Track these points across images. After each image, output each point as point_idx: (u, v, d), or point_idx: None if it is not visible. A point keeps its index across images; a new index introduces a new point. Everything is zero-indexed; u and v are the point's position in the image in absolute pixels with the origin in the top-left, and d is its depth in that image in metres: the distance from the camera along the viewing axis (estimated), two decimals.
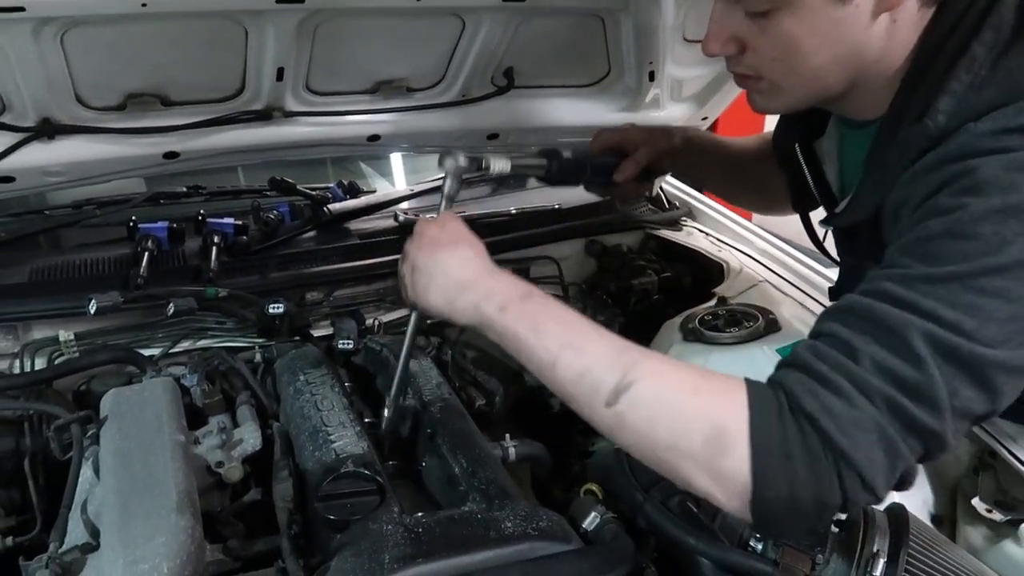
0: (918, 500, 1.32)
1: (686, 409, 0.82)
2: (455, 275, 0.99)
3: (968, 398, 0.77)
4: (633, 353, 0.87)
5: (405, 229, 1.80)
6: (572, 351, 0.87)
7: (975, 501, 1.28)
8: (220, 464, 1.13)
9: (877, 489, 0.79)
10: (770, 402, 0.80)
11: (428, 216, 1.12)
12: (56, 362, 1.39)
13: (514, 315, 0.91)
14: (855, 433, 0.76)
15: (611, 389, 0.83)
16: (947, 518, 1.34)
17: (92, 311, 1.35)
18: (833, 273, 1.72)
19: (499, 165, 1.17)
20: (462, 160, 1.10)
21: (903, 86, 0.92)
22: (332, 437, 1.14)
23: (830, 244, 1.22)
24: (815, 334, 0.84)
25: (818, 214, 1.21)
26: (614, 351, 0.87)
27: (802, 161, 1.16)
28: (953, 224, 0.78)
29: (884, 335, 0.77)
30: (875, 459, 0.77)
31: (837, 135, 1.12)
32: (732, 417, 0.79)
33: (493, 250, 1.77)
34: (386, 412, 1.20)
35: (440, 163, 1.11)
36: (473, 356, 1.70)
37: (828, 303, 1.63)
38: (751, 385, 0.82)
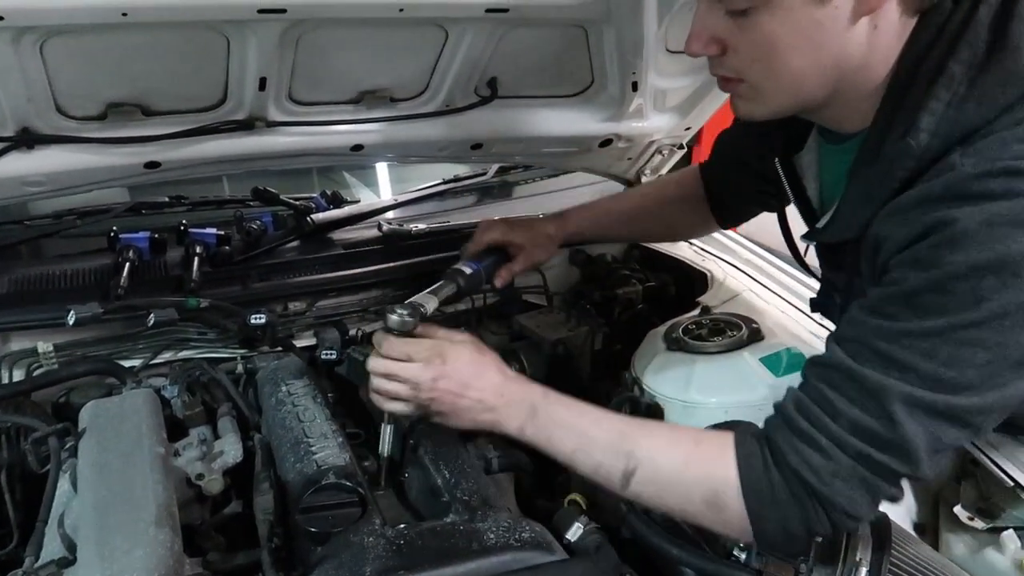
0: (901, 508, 1.33)
1: (684, 482, 0.97)
2: (475, 415, 1.09)
3: (953, 437, 0.85)
4: (631, 438, 1.00)
5: (388, 240, 1.79)
6: (582, 452, 1.02)
7: (957, 509, 1.29)
8: (200, 476, 1.12)
9: (862, 518, 0.92)
10: (756, 459, 0.92)
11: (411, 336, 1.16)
12: (35, 374, 1.38)
13: (531, 434, 1.06)
14: (834, 482, 0.88)
15: (620, 476, 0.98)
16: (929, 526, 1.34)
17: (71, 322, 1.33)
18: (815, 283, 1.73)
19: (431, 304, 1.24)
20: (407, 315, 1.15)
21: (885, 100, 0.92)
22: (314, 448, 1.13)
23: (811, 257, 1.23)
24: (803, 382, 0.94)
25: (797, 227, 1.22)
26: (615, 441, 1.00)
27: (782, 175, 1.16)
28: (933, 280, 0.82)
29: (863, 398, 0.86)
30: (856, 497, 0.88)
31: (817, 148, 1.12)
32: (724, 479, 0.93)
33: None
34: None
35: (385, 323, 1.16)
36: None
37: (810, 313, 1.65)
38: (738, 442, 0.95)
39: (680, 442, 1.00)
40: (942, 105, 0.85)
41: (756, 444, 0.94)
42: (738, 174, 1.37)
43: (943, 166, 0.84)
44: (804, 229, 1.15)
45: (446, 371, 1.08)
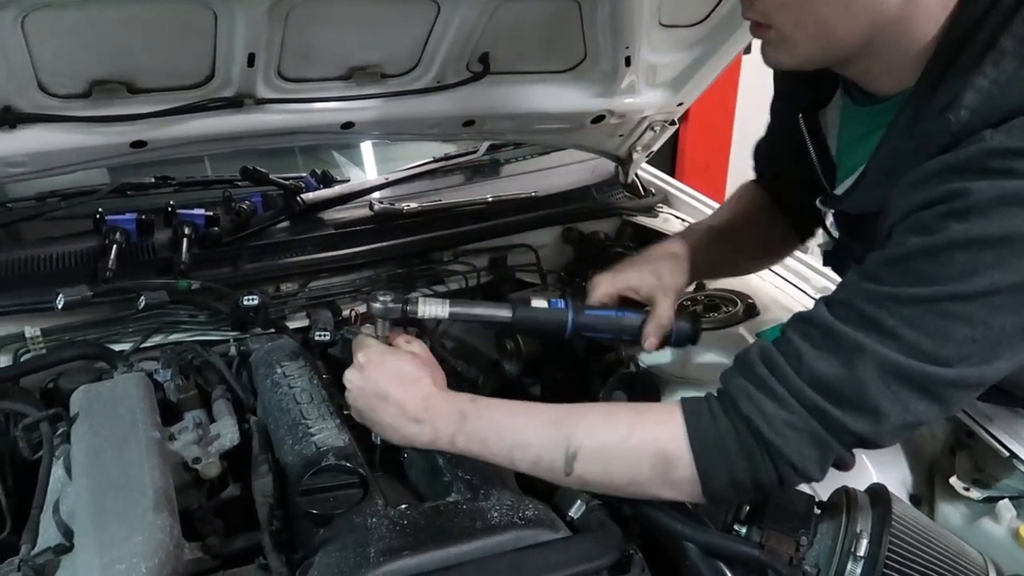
0: (896, 480, 1.34)
1: (628, 450, 0.96)
2: (399, 426, 1.05)
3: (920, 411, 0.85)
4: (566, 422, 0.99)
5: (380, 219, 1.77)
6: (519, 449, 1.00)
7: (953, 480, 1.30)
8: (197, 460, 1.11)
9: (810, 475, 0.91)
10: (702, 412, 0.93)
11: (366, 337, 1.13)
12: (23, 359, 1.35)
13: (464, 443, 1.02)
14: (786, 432, 0.87)
15: (563, 463, 0.97)
16: (925, 497, 1.36)
17: (60, 306, 1.31)
18: (809, 258, 1.74)
19: (431, 310, 1.12)
20: (390, 303, 1.11)
21: (928, 69, 0.88)
22: (312, 430, 1.12)
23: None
24: (782, 331, 0.93)
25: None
26: (550, 429, 0.99)
27: (805, 132, 1.13)
28: (931, 246, 0.81)
29: (835, 354, 0.86)
30: (806, 453, 0.88)
31: (841, 106, 1.08)
32: (670, 438, 0.93)
33: (470, 238, 1.79)
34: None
35: (368, 309, 1.13)
36: (452, 346, 1.68)
37: (804, 287, 1.66)
38: (684, 403, 0.95)
39: (621, 415, 1.00)
40: (988, 82, 0.81)
41: (703, 400, 0.95)
42: (789, 162, 1.22)
43: (973, 139, 0.81)
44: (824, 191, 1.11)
45: (367, 377, 1.06)
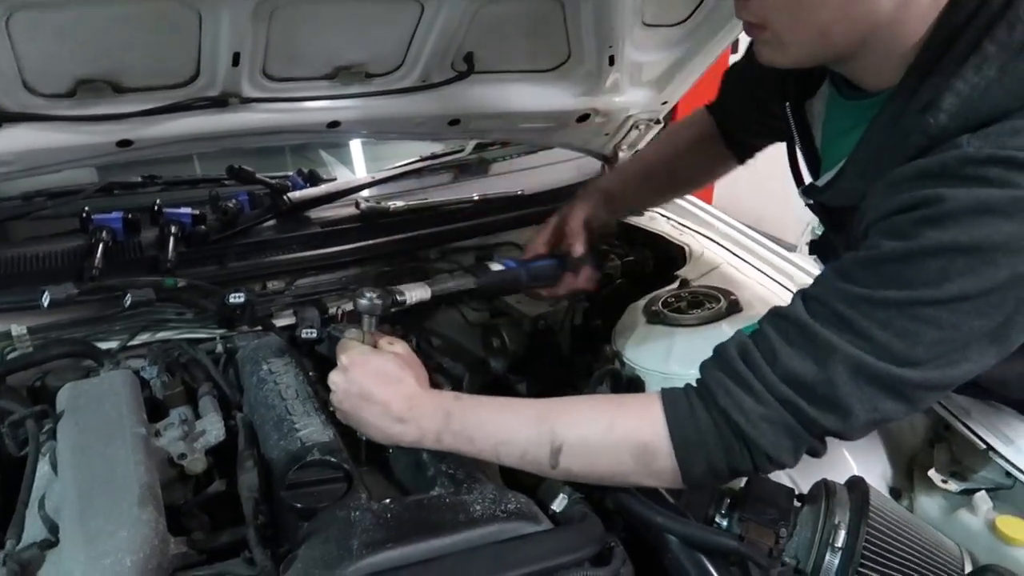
0: (877, 474, 1.36)
1: (610, 443, 0.99)
2: (384, 426, 1.08)
3: (887, 409, 0.88)
4: (549, 417, 1.02)
5: (366, 218, 1.78)
6: (505, 446, 1.03)
7: (931, 472, 1.32)
8: (183, 456, 1.11)
9: (784, 464, 0.94)
10: (681, 403, 0.96)
11: (349, 340, 1.15)
12: (9, 357, 1.35)
13: (450, 441, 1.05)
14: (762, 425, 0.91)
15: (547, 457, 1.00)
16: (905, 490, 1.38)
17: (46, 304, 1.31)
18: (794, 256, 1.76)
19: (416, 294, 1.20)
20: (375, 299, 1.15)
21: (912, 68, 0.88)
22: (297, 426, 1.12)
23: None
24: (757, 328, 0.96)
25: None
26: (534, 424, 1.01)
27: (792, 122, 1.14)
28: (905, 252, 0.83)
29: (808, 352, 0.88)
30: (780, 444, 0.92)
31: (827, 96, 1.09)
32: (650, 430, 0.96)
33: (456, 236, 1.80)
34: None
35: (354, 306, 1.15)
36: (438, 343, 1.69)
37: (786, 283, 1.68)
38: (663, 394, 0.98)
39: (602, 409, 1.03)
40: (968, 87, 0.82)
41: (681, 392, 0.98)
42: (749, 108, 1.36)
43: (949, 145, 0.83)
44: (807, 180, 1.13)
45: (351, 378, 1.08)
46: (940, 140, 0.84)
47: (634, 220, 1.98)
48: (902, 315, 0.84)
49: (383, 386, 1.07)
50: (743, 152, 1.51)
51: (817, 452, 0.95)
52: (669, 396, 0.98)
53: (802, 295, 0.93)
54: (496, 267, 1.37)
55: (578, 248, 1.46)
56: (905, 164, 0.86)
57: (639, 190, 1.60)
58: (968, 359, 0.86)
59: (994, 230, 0.79)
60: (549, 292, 1.49)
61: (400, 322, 1.60)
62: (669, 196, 1.81)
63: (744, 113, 1.40)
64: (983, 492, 1.26)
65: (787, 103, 1.14)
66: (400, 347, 1.15)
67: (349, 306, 1.60)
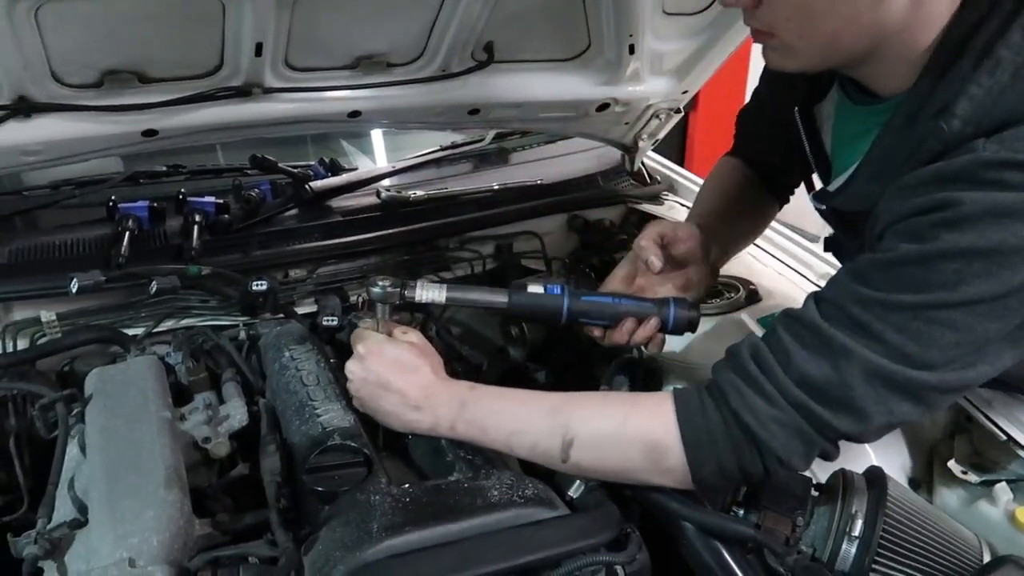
0: (896, 464, 1.35)
1: (622, 439, 0.99)
2: (400, 414, 1.09)
3: (903, 412, 0.87)
4: (563, 411, 1.02)
5: (387, 207, 1.80)
6: (517, 436, 1.04)
7: (951, 463, 1.31)
8: (207, 440, 1.13)
9: (796, 467, 0.94)
10: (693, 403, 0.96)
11: (364, 329, 1.16)
12: (38, 342, 1.39)
13: (463, 429, 1.06)
14: (773, 427, 0.90)
15: (559, 450, 1.00)
16: (924, 481, 1.37)
17: (74, 290, 1.34)
18: (811, 245, 1.75)
19: (429, 295, 1.14)
20: (388, 287, 1.13)
21: (925, 73, 0.88)
22: (319, 411, 1.14)
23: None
24: (771, 330, 0.95)
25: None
26: (547, 417, 1.02)
27: (800, 125, 1.13)
28: (922, 254, 0.83)
29: (824, 356, 0.88)
30: (792, 447, 0.91)
31: (836, 101, 1.09)
32: (661, 428, 0.96)
33: (476, 226, 1.81)
34: None
35: (367, 294, 1.15)
36: (458, 332, 1.71)
37: (806, 273, 1.67)
38: (676, 394, 0.98)
39: (615, 405, 1.04)
40: (982, 92, 0.81)
41: (694, 392, 0.97)
42: (773, 132, 1.28)
43: (965, 149, 0.82)
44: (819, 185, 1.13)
45: (368, 367, 1.09)
46: (954, 145, 0.83)
47: (654, 210, 1.98)
48: (918, 318, 0.83)
49: (400, 375, 1.09)
50: (779, 189, 1.42)
51: (830, 455, 0.95)
52: (681, 395, 0.98)
53: (815, 297, 0.93)
54: (536, 289, 1.17)
55: (680, 247, 1.24)
56: (919, 168, 0.86)
57: (733, 233, 1.38)
58: (984, 361, 0.86)
59: (1011, 233, 0.78)
60: (609, 338, 1.20)
61: (421, 310, 1.61)
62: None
63: (771, 139, 1.31)
64: (1003, 483, 1.24)
65: (796, 108, 1.13)
66: (414, 336, 1.16)
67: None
